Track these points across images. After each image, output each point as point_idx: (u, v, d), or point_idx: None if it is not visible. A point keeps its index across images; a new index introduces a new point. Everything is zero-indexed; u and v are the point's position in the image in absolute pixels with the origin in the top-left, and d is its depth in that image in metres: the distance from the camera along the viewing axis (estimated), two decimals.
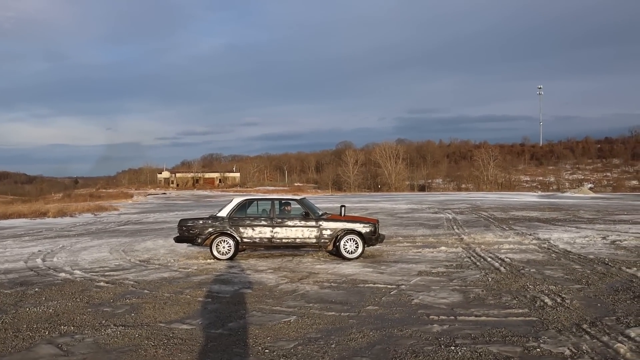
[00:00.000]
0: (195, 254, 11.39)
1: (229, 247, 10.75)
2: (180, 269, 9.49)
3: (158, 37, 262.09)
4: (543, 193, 63.73)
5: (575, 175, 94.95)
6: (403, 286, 7.59)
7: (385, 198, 48.97)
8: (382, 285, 7.67)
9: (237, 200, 11.29)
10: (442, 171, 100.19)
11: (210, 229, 10.86)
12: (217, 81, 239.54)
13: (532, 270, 8.64)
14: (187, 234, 11.05)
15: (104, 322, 5.89)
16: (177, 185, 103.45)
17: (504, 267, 8.91)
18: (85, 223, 22.92)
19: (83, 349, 4.94)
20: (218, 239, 10.81)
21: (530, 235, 13.93)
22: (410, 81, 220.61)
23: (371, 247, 11.14)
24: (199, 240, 10.89)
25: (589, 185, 75.98)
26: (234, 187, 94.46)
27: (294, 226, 10.75)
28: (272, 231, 10.76)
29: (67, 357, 4.73)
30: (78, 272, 9.39)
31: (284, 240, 10.78)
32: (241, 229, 10.79)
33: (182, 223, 11.22)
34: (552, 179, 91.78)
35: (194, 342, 5.09)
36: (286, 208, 11.27)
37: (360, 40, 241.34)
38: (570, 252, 10.70)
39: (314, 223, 10.73)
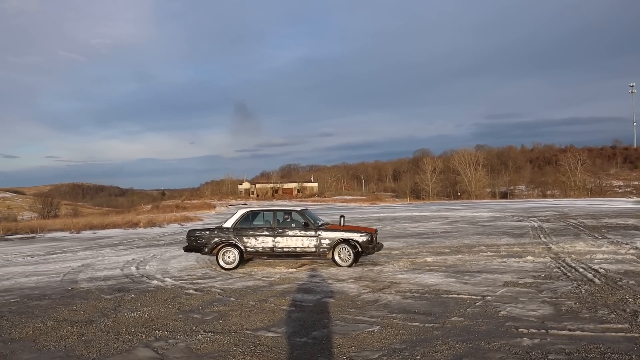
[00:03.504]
0: (277, 263, 11.62)
1: (234, 256, 11.18)
2: (263, 278, 9.73)
3: (236, 54, 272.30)
4: (639, 199, 59.33)
5: None
6: (488, 297, 7.35)
7: (465, 206, 47.61)
8: (466, 296, 7.47)
9: (241, 212, 11.72)
10: (525, 177, 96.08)
11: (216, 239, 11.31)
12: (293, 94, 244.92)
13: (630, 282, 8.06)
14: (195, 243, 11.56)
15: (194, 328, 6.15)
16: (257, 195, 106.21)
17: (599, 279, 8.38)
18: (172, 233, 24.06)
19: (177, 353, 5.18)
20: (224, 249, 11.24)
21: (626, 244, 13.02)
22: (487, 86, 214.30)
23: (369, 255, 11.34)
24: (206, 250, 11.37)
25: None
26: (312, 197, 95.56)
27: (294, 236, 11.08)
28: (273, 241, 11.13)
29: None
30: (168, 279, 9.87)
31: (284, 249, 11.11)
32: (245, 239, 11.20)
33: (191, 234, 11.73)
34: None
35: (279, 350, 5.19)
36: (287, 218, 11.52)
37: (433, 46, 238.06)
38: None
39: (313, 233, 11.02)
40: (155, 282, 9.64)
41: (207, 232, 11.58)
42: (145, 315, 6.85)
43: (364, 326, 6.00)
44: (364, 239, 10.88)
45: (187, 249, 11.84)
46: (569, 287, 7.79)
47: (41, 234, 26.21)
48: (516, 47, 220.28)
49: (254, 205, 73.23)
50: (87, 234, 26.13)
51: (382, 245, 11.92)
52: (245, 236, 11.23)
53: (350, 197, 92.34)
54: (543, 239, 15.04)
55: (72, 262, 13.30)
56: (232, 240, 11.24)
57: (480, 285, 8.29)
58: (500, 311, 6.49)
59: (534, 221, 22.93)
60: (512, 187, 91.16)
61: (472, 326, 5.84)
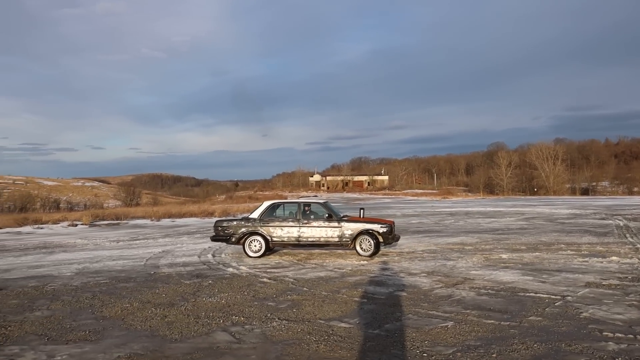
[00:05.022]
0: (348, 254, 11.69)
1: (260, 245, 11.70)
2: (335, 269, 9.81)
3: (307, 47, 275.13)
4: None
5: None
6: (569, 297, 7.03)
7: (543, 202, 45.62)
8: (544, 295, 7.19)
9: (267, 204, 12.19)
10: (609, 173, 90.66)
11: (243, 229, 11.79)
12: (364, 86, 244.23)
13: None
14: (222, 233, 12.00)
15: (269, 315, 6.32)
16: (328, 188, 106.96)
17: None
18: None
19: (253, 339, 5.35)
20: (250, 238, 11.69)
21: None
22: (567, 76, 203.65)
23: (387, 245, 12.09)
24: (233, 240, 11.84)
25: None
26: (382, 190, 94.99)
27: (318, 227, 11.61)
28: (299, 231, 11.65)
29: (239, 344, 5.17)
30: (243, 268, 10.18)
31: (309, 240, 11.63)
32: (271, 229, 11.73)
33: (218, 224, 12.19)
34: None
35: (352, 341, 5.23)
36: (310, 210, 12.05)
37: (509, 36, 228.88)
38: None
39: (336, 224, 11.56)
40: (230, 269, 9.98)
41: (235, 223, 12.08)
42: (223, 301, 7.12)
43: (437, 321, 5.93)
44: (384, 229, 11.42)
45: (214, 239, 12.31)
46: None
47: (125, 221, 27.77)
48: (599, 35, 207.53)
49: (324, 197, 73.82)
50: (166, 222, 27.40)
51: (399, 236, 12.48)
52: (271, 227, 11.73)
53: (421, 190, 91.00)
54: (630, 239, 14.17)
55: (153, 248, 14.02)
56: (259, 230, 11.73)
57: (560, 284, 7.94)
58: (582, 312, 6.20)
59: (619, 220, 21.63)
60: (594, 183, 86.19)
61: (551, 327, 5.62)
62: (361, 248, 11.45)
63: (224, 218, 13.50)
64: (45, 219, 27.46)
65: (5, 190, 74.03)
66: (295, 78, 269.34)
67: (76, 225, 24.98)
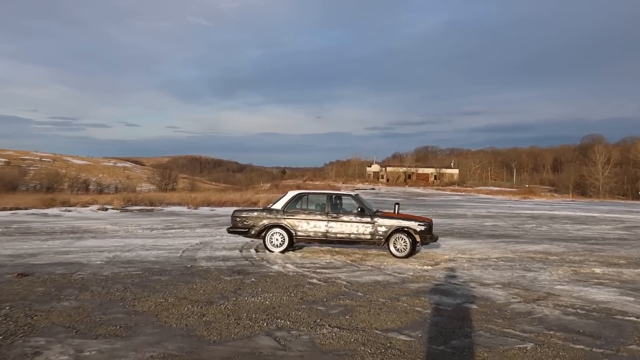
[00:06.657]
0: (410, 258, 11.62)
1: (282, 239, 11.99)
2: (394, 273, 9.80)
3: (373, 18, 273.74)
4: None
5: None
6: None
7: None
8: None
9: (291, 194, 12.36)
10: None
11: (265, 221, 12.01)
12: (435, 64, 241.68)
13: None
14: (240, 225, 12.26)
15: (318, 320, 6.39)
16: (387, 180, 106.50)
17: None
18: None
19: (300, 346, 5.43)
20: (272, 231, 12.05)
21: None
22: None
23: (424, 246, 12.37)
24: (253, 232, 12.06)
25: None
26: (451, 185, 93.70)
27: (349, 221, 11.78)
28: (327, 225, 11.86)
29: (285, 351, 5.26)
30: (290, 266, 10.32)
31: (338, 235, 11.84)
32: (296, 222, 11.98)
33: (237, 214, 12.39)
34: None
35: (413, 356, 5.22)
36: (340, 203, 12.32)
37: (614, 9, 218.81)
38: None
39: (369, 219, 11.73)
40: (276, 267, 10.14)
41: (255, 214, 12.29)
42: (267, 302, 7.25)
43: (514, 341, 5.82)
44: (422, 228, 11.64)
45: (231, 231, 12.53)
46: None
47: (159, 207, 28.67)
48: None
49: (383, 191, 73.58)
50: (204, 210, 28.11)
51: (438, 237, 12.41)
52: (296, 219, 11.95)
53: (497, 188, 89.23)
54: None
55: (190, 239, 14.42)
56: (282, 222, 11.96)
57: None
58: None
59: None
60: None
61: None
62: (395, 248, 11.65)
63: (243, 208, 13.90)
64: (73, 200, 28.75)
65: (31, 168, 77.90)
66: (357, 53, 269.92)
67: (106, 209, 26.01)
